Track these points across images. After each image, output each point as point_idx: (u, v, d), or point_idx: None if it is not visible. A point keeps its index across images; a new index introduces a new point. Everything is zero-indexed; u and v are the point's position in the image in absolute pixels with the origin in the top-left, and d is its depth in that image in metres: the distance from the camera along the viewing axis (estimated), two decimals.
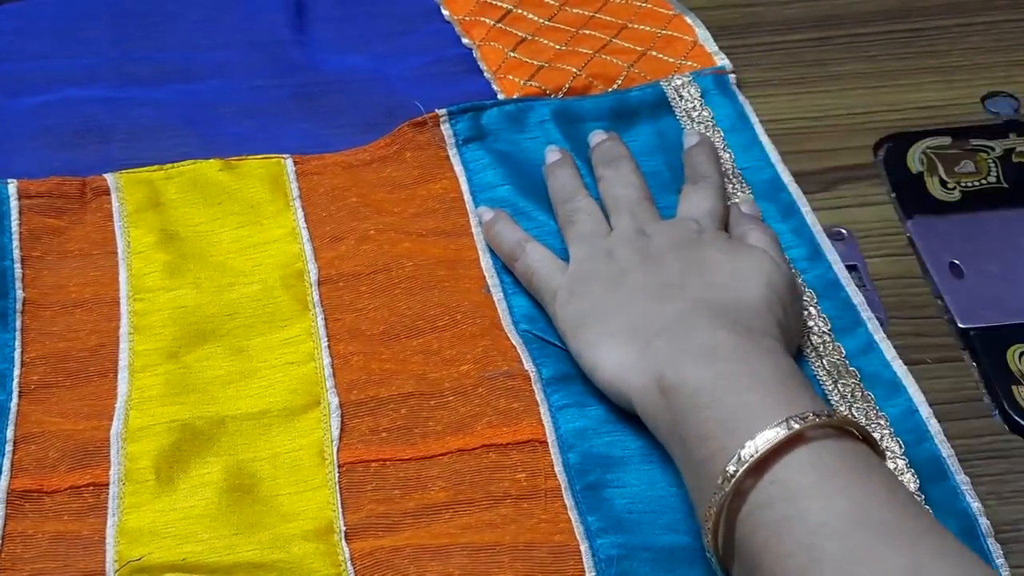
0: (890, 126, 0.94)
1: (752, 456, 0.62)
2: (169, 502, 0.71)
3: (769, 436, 0.62)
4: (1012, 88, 0.96)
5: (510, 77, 0.95)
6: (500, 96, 0.94)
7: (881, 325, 0.80)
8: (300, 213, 0.86)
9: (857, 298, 0.81)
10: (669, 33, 1.00)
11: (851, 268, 0.84)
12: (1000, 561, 0.68)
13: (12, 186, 0.86)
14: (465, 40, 1.00)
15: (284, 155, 0.90)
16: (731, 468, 0.62)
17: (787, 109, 0.96)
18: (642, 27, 1.00)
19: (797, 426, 0.62)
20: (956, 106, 0.95)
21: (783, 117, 0.95)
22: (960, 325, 0.81)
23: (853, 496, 0.60)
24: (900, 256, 0.86)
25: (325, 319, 0.80)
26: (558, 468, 0.72)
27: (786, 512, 0.60)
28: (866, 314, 0.80)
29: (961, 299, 0.82)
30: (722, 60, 0.97)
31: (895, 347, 0.78)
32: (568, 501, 0.71)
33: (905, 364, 0.78)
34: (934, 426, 0.74)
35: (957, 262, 0.84)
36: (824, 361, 0.77)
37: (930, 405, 0.76)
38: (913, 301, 0.83)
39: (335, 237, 0.85)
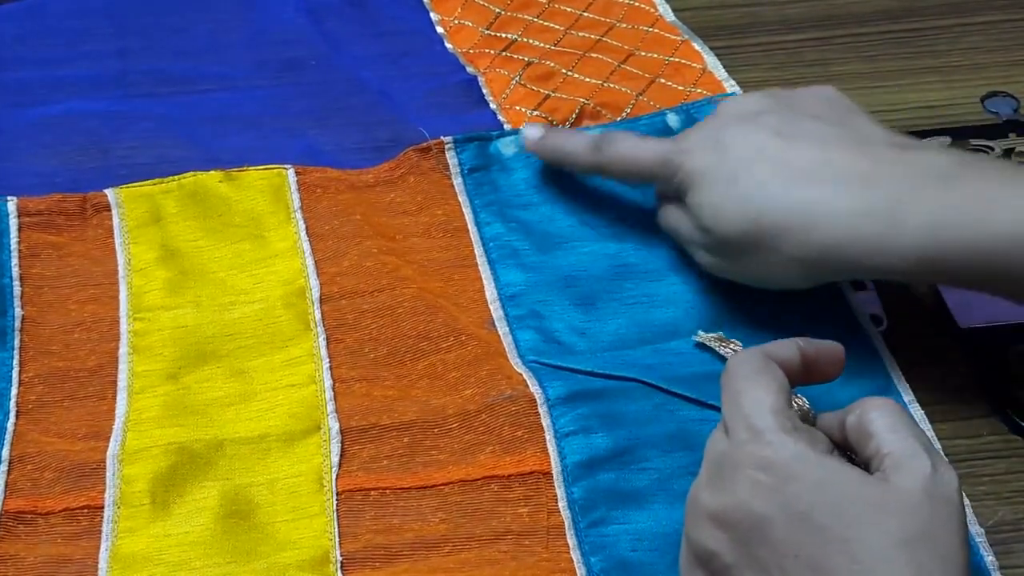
0: (890, 126, 0.93)
1: None
2: (164, 527, 0.71)
3: None
4: (1012, 88, 0.96)
5: (517, 108, 0.95)
6: (507, 127, 0.94)
7: (879, 325, 0.80)
8: (302, 224, 0.86)
9: (874, 335, 0.80)
10: (677, 60, 0.99)
11: None
12: None
13: (12, 203, 0.86)
14: (469, 68, 0.99)
15: (286, 165, 0.89)
16: None
17: None
18: (650, 54, 0.99)
19: None
20: (956, 106, 0.95)
21: None
22: (960, 325, 0.81)
23: None
24: None
25: (327, 339, 0.80)
26: (562, 504, 0.72)
27: None
28: (884, 352, 0.79)
29: (961, 299, 0.82)
30: (732, 87, 0.96)
31: (894, 348, 0.79)
32: (571, 541, 0.70)
33: (905, 364, 0.78)
34: None
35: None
36: None
37: (930, 405, 0.76)
38: (912, 301, 0.83)
39: (338, 251, 0.84)
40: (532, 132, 0.87)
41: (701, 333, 0.78)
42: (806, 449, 0.61)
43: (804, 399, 0.69)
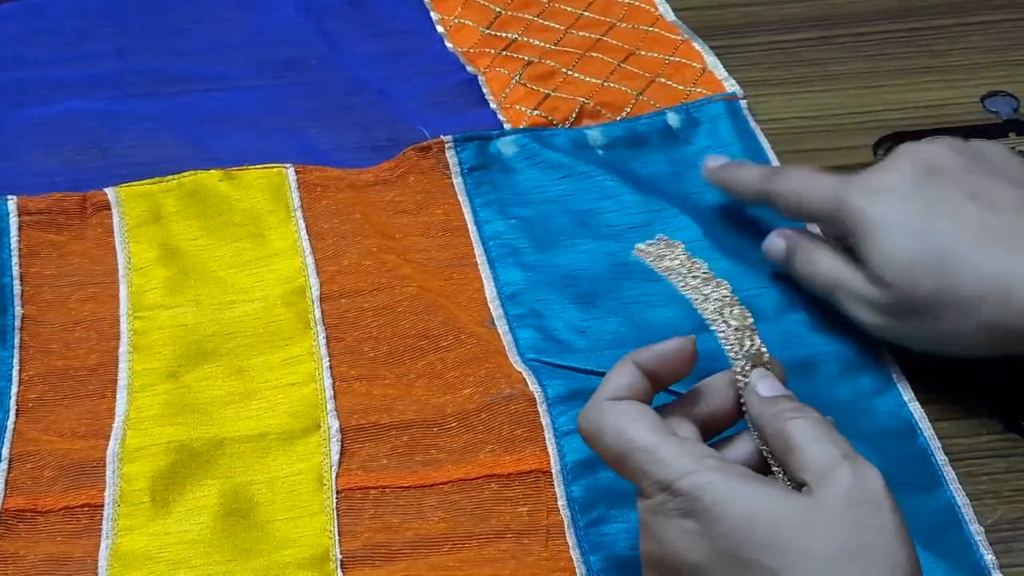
0: (890, 125, 0.93)
1: None
2: (164, 525, 0.71)
3: None
4: (1011, 87, 0.95)
5: (517, 107, 0.95)
6: (507, 126, 0.94)
7: None
8: (302, 224, 0.86)
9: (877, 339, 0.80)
10: (678, 60, 0.99)
11: None
12: None
13: (12, 202, 0.86)
14: (470, 68, 1.00)
15: (285, 164, 0.90)
16: None
17: (786, 109, 0.96)
18: (650, 54, 1.00)
19: None
20: (955, 105, 0.95)
21: (782, 117, 0.95)
22: None
23: None
24: None
25: (327, 338, 0.80)
26: (561, 502, 0.72)
27: None
28: (885, 354, 0.79)
29: None
30: (732, 86, 0.96)
31: (894, 347, 0.78)
32: (570, 540, 0.70)
33: (905, 364, 0.78)
34: (949, 473, 0.73)
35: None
36: None
37: (930, 405, 0.76)
38: None
39: (337, 250, 0.84)
40: (712, 162, 0.85)
41: (639, 246, 0.72)
42: (722, 481, 0.60)
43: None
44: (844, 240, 0.76)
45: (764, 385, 0.65)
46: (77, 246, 0.85)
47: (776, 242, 0.80)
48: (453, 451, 0.74)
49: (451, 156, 0.90)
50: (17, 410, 0.76)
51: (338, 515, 0.71)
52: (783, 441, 0.62)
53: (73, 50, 1.02)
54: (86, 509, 0.72)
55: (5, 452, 0.74)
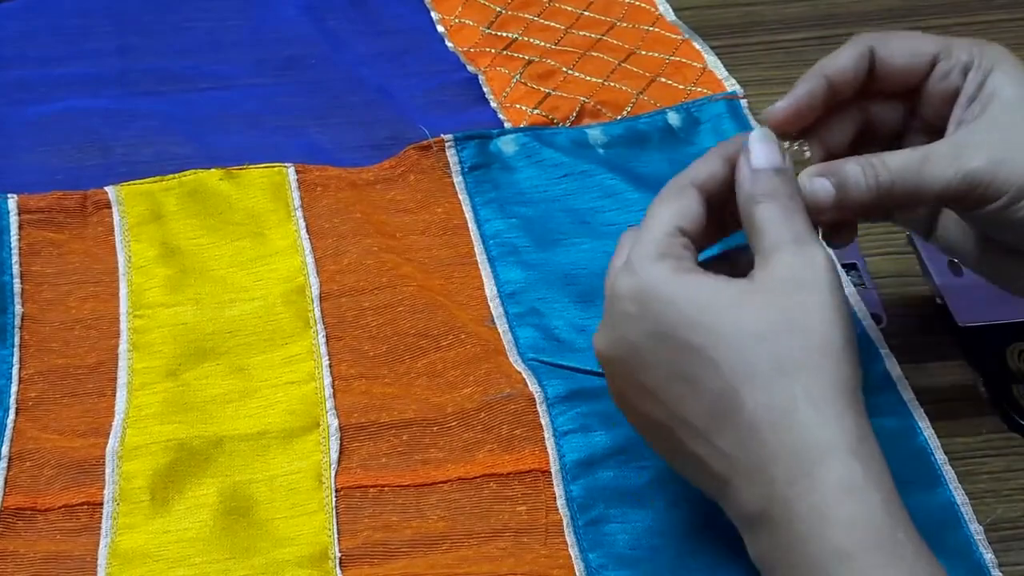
0: None
1: None
2: (163, 524, 0.71)
3: None
4: None
5: (517, 106, 0.95)
6: (507, 125, 0.94)
7: (879, 323, 0.80)
8: (302, 223, 0.86)
9: (874, 333, 0.80)
10: (678, 59, 0.99)
11: (851, 267, 0.84)
12: None
13: (12, 201, 0.86)
14: (470, 67, 1.00)
15: (286, 164, 0.90)
16: None
17: None
18: (651, 53, 1.00)
19: None
20: None
21: None
22: (959, 323, 0.81)
23: None
24: (900, 254, 0.86)
25: (327, 337, 0.80)
26: (560, 502, 0.72)
27: None
28: (884, 350, 0.79)
29: (960, 297, 0.82)
30: (733, 86, 0.96)
31: (894, 346, 0.79)
32: (569, 538, 0.70)
33: (905, 363, 0.78)
34: (949, 472, 0.73)
35: (956, 260, 0.84)
36: None
37: (930, 404, 0.76)
38: (912, 299, 0.83)
39: (338, 249, 0.85)
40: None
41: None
42: (666, 272, 0.61)
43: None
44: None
45: (758, 151, 0.64)
46: (77, 244, 0.85)
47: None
48: (453, 450, 0.74)
49: (451, 155, 0.90)
50: (17, 408, 0.77)
51: (337, 513, 0.71)
52: (749, 224, 0.63)
53: (74, 48, 1.02)
54: (85, 507, 0.72)
55: (5, 450, 0.74)
